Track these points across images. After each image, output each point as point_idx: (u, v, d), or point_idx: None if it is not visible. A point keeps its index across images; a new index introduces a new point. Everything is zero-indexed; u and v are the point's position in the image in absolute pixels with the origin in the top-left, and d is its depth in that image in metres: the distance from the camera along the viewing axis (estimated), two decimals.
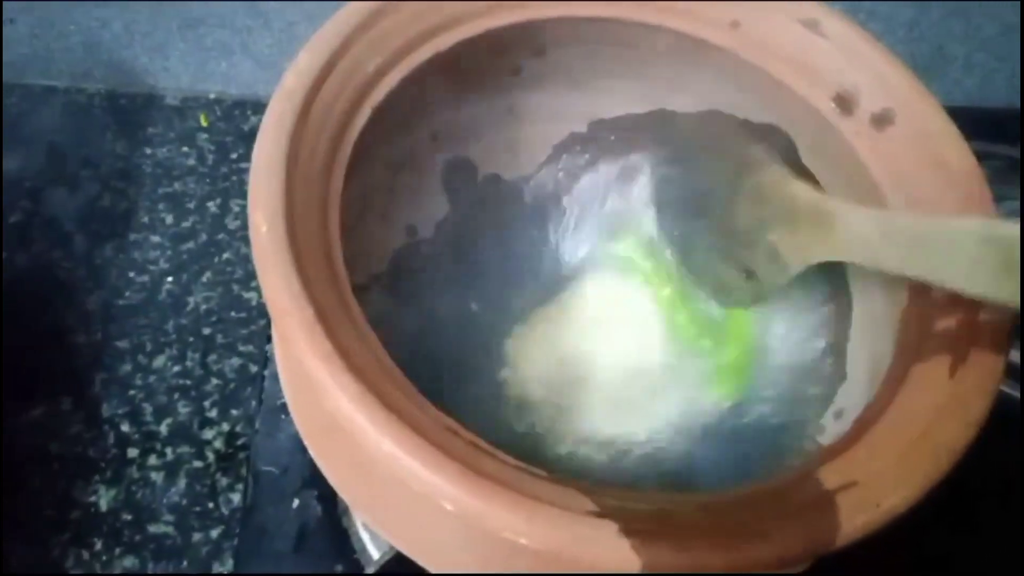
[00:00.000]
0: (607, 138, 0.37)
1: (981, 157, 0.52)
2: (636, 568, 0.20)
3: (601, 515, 0.20)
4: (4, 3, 0.54)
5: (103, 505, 0.42)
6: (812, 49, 0.31)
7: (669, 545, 0.20)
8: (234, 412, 0.45)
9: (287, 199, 0.24)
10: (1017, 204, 0.48)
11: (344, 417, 0.21)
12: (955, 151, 0.28)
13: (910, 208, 0.28)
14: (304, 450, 0.36)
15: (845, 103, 0.30)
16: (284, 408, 0.38)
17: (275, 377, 0.39)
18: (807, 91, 0.31)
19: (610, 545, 0.20)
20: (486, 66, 0.33)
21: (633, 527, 0.20)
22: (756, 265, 0.31)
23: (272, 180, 0.24)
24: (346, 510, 0.36)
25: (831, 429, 0.29)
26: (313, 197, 0.25)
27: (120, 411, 0.45)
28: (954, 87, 0.59)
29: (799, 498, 0.22)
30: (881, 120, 0.29)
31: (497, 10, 0.31)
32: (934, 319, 0.26)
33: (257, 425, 0.38)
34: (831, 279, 0.33)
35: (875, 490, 0.22)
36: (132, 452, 0.44)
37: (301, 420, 0.27)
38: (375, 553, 0.34)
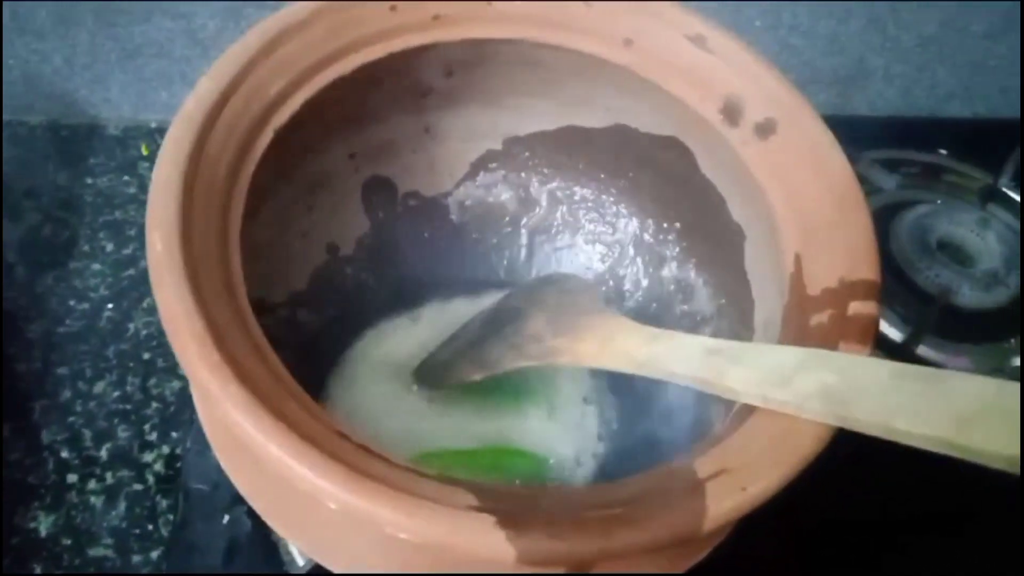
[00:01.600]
0: (521, 154, 0.39)
1: (900, 164, 0.54)
2: (511, 557, 0.21)
3: (480, 509, 0.21)
4: None
5: (43, 530, 0.42)
6: (700, 64, 0.32)
7: (542, 534, 0.21)
8: (174, 435, 0.46)
9: (183, 218, 0.25)
10: (928, 207, 0.50)
11: (234, 425, 0.22)
12: (832, 156, 0.30)
13: (793, 210, 0.30)
14: None
15: (731, 114, 0.32)
16: None
17: None
18: (698, 104, 0.32)
19: (485, 536, 0.21)
20: (395, 88, 0.34)
21: (509, 519, 0.21)
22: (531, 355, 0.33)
23: (169, 200, 0.25)
24: None
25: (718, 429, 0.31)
26: (213, 216, 0.26)
27: (60, 437, 0.45)
28: (876, 97, 0.61)
29: (672, 487, 0.23)
30: (764, 129, 0.31)
31: (398, 34, 0.32)
32: (810, 315, 0.27)
33: (188, 443, 0.39)
34: (734, 284, 0.34)
35: (742, 476, 0.23)
36: (72, 477, 0.44)
37: (209, 432, 0.28)
38: (300, 562, 0.34)
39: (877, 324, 0.26)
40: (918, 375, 0.24)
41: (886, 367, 0.24)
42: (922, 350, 0.44)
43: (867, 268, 0.27)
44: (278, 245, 0.33)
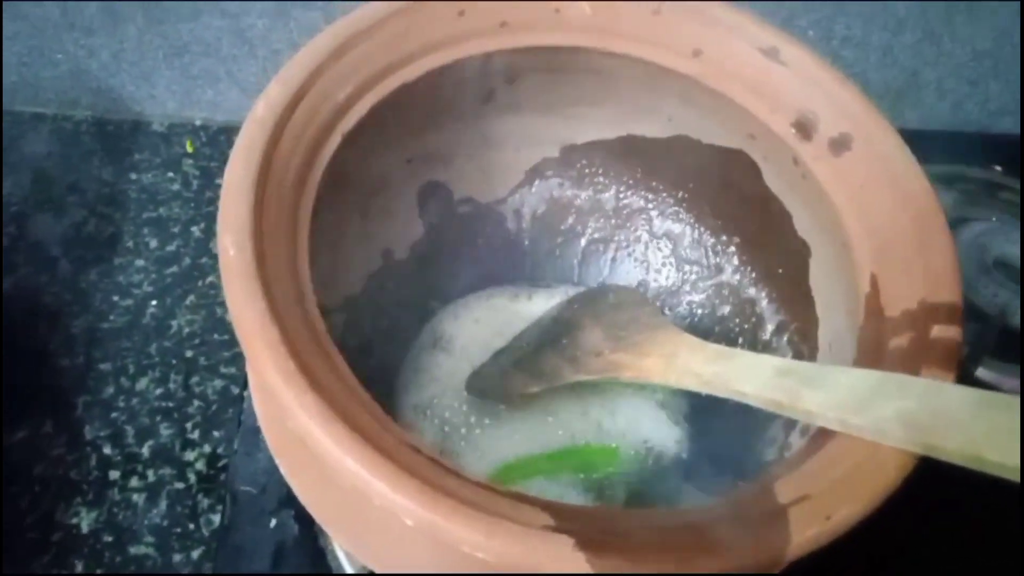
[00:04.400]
0: (578, 163, 0.38)
1: (955, 179, 0.53)
2: None
3: (557, 530, 0.21)
4: None
5: (84, 527, 0.42)
6: (772, 76, 0.32)
7: (622, 558, 0.20)
8: (216, 434, 0.46)
9: (255, 222, 0.24)
10: (985, 225, 0.49)
11: (308, 435, 0.21)
12: (910, 174, 0.29)
13: (868, 229, 0.29)
14: None
15: (804, 128, 0.31)
16: None
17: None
18: (768, 117, 0.32)
19: (564, 558, 0.20)
20: (457, 94, 0.33)
21: (587, 541, 0.21)
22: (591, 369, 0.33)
23: (241, 204, 0.24)
24: (323, 529, 0.36)
25: (796, 445, 0.30)
26: (283, 221, 0.26)
27: (102, 433, 0.45)
28: (928, 111, 0.60)
29: (753, 512, 0.22)
30: (839, 145, 0.30)
31: (465, 40, 0.31)
32: (888, 337, 0.26)
33: (236, 445, 0.38)
34: (797, 301, 0.34)
35: (825, 503, 0.22)
36: (114, 474, 0.44)
37: (270, 438, 0.28)
38: (350, 570, 0.34)
39: (961, 349, 0.26)
40: (1004, 404, 0.23)
41: (970, 394, 0.24)
42: (980, 372, 0.43)
43: (949, 290, 0.27)
44: (335, 250, 0.33)
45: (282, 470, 0.27)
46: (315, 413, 0.21)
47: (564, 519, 0.22)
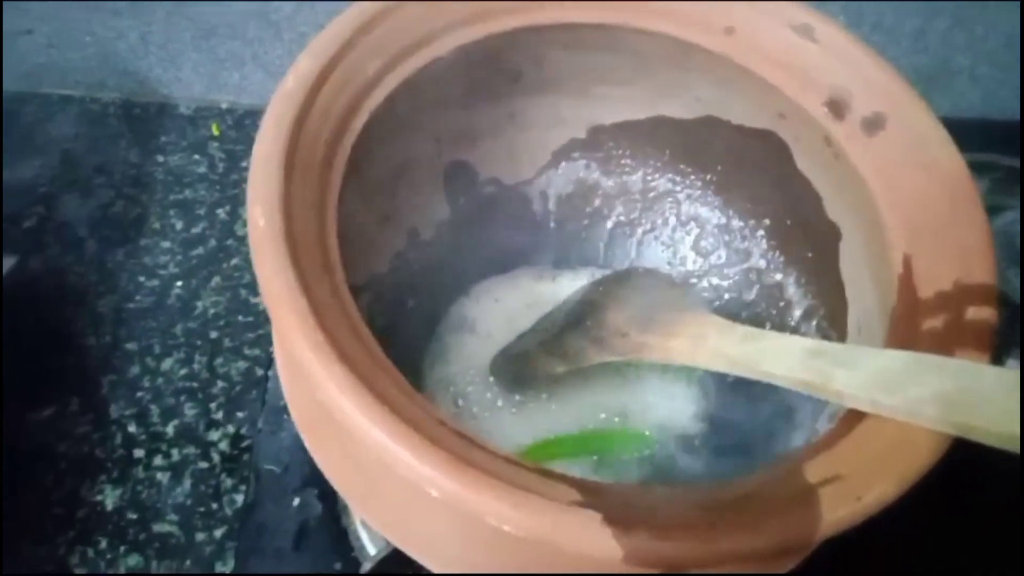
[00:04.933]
0: (606, 143, 0.38)
1: (985, 168, 0.52)
2: (618, 556, 0.20)
3: (584, 505, 0.21)
4: (23, 14, 0.55)
5: (109, 504, 0.43)
6: (805, 54, 0.31)
7: (650, 535, 0.20)
8: (239, 415, 0.46)
9: (285, 195, 0.24)
10: (1016, 214, 0.48)
11: (335, 407, 0.21)
12: (944, 153, 0.29)
13: (901, 209, 0.29)
14: (305, 449, 0.37)
15: (837, 108, 0.31)
16: (287, 408, 0.38)
17: (279, 378, 0.39)
18: (800, 96, 0.31)
19: (592, 533, 0.20)
20: (486, 72, 0.33)
21: (615, 517, 0.20)
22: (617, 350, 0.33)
23: (270, 176, 0.24)
24: (345, 508, 0.36)
25: (824, 431, 0.29)
26: (311, 194, 0.26)
27: (127, 412, 0.46)
28: (959, 98, 0.59)
29: (782, 492, 0.22)
30: (872, 124, 0.30)
31: (495, 16, 0.31)
32: (921, 319, 0.26)
33: (260, 424, 0.38)
34: (825, 285, 0.33)
35: (857, 484, 0.22)
36: (138, 452, 0.44)
37: (296, 412, 0.28)
38: (372, 550, 0.34)
39: (996, 330, 0.25)
40: None
41: (1006, 375, 0.23)
42: (1010, 363, 0.42)
43: (983, 271, 0.26)
44: (361, 228, 0.32)
45: (307, 443, 0.27)
46: (343, 384, 0.21)
47: (592, 495, 0.21)
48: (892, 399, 0.24)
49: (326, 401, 0.22)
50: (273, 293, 0.22)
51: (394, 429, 0.21)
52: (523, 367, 0.34)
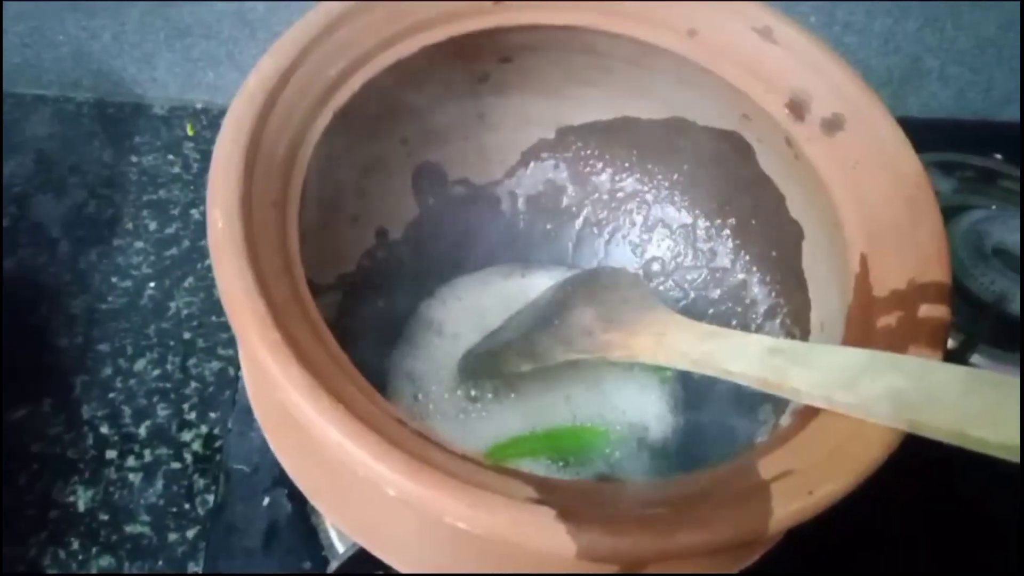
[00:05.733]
0: (574, 144, 0.38)
1: (954, 167, 0.53)
2: (571, 552, 0.20)
3: (540, 502, 0.21)
4: None
5: (81, 505, 0.42)
6: (766, 56, 0.32)
7: (604, 530, 0.21)
8: (212, 415, 0.46)
9: (244, 196, 0.24)
10: (983, 213, 0.49)
11: (293, 407, 0.22)
12: (902, 154, 0.29)
13: (859, 209, 0.29)
14: None
15: (798, 109, 0.31)
16: None
17: None
18: (762, 97, 0.32)
19: (547, 529, 0.20)
20: (452, 72, 0.33)
21: (569, 513, 0.21)
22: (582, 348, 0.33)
23: (230, 178, 0.25)
24: (315, 508, 0.36)
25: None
26: (272, 195, 0.26)
27: (100, 413, 0.45)
28: (929, 98, 0.60)
29: (735, 487, 0.22)
30: (831, 125, 0.30)
31: (461, 17, 0.31)
32: (876, 316, 0.26)
33: (230, 424, 0.38)
34: (789, 283, 0.34)
35: (809, 479, 0.22)
36: (111, 453, 0.44)
37: (260, 413, 0.28)
38: (341, 549, 0.34)
39: (948, 328, 0.26)
40: (993, 381, 0.23)
41: (959, 372, 0.24)
42: (975, 359, 0.43)
43: (938, 270, 0.27)
44: (328, 228, 0.33)
45: (270, 443, 0.27)
46: (300, 384, 0.21)
47: (547, 492, 0.22)
48: (846, 396, 0.24)
49: (285, 401, 0.22)
50: (231, 295, 0.22)
51: (351, 429, 0.21)
52: (490, 366, 0.35)
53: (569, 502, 0.21)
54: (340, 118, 0.29)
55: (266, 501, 0.36)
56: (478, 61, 0.34)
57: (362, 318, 0.35)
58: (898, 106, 0.60)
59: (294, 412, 0.22)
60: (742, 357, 0.27)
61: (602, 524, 0.21)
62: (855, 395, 0.24)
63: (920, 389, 0.23)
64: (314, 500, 0.26)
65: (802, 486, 0.22)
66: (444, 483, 0.21)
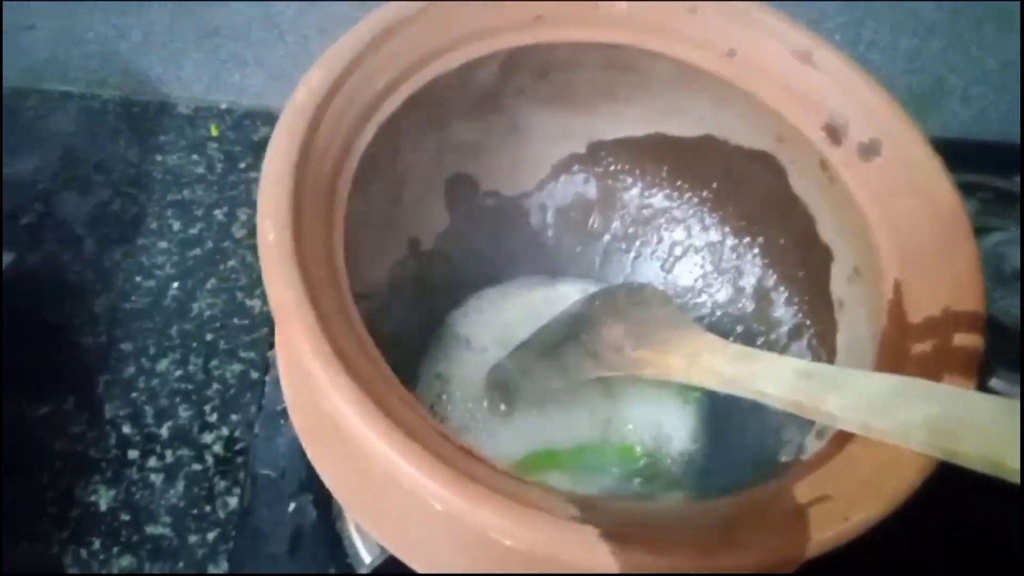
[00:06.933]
0: (605, 159, 0.39)
1: (975, 188, 0.53)
2: (614, 570, 0.21)
3: (583, 520, 0.21)
4: (27, 10, 0.56)
5: (103, 505, 0.43)
6: (805, 79, 0.32)
7: (646, 550, 0.21)
8: (234, 417, 0.46)
9: (294, 208, 0.25)
10: (1004, 235, 0.49)
11: (342, 419, 0.22)
12: (938, 182, 0.29)
13: (894, 235, 0.29)
14: (302, 455, 0.37)
15: (835, 133, 0.31)
16: (284, 413, 0.39)
17: (276, 383, 0.39)
18: (799, 120, 0.32)
19: (590, 548, 0.21)
20: (490, 86, 0.34)
21: (612, 532, 0.21)
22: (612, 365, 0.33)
23: (281, 190, 0.25)
24: (340, 514, 0.36)
25: (811, 448, 0.30)
26: (319, 207, 0.26)
27: (122, 412, 0.46)
28: (952, 118, 0.60)
29: (774, 510, 0.23)
30: (868, 151, 0.31)
31: (502, 32, 0.32)
32: (911, 343, 0.27)
33: (256, 429, 0.39)
34: (816, 304, 0.34)
35: (845, 504, 0.23)
36: (133, 453, 0.45)
37: (300, 422, 0.28)
38: (366, 557, 0.34)
39: (982, 357, 0.26)
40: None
41: (992, 402, 0.24)
42: (994, 383, 0.43)
43: (973, 299, 0.27)
44: (363, 236, 0.33)
45: (308, 451, 0.28)
46: (350, 397, 0.22)
47: (589, 510, 0.22)
48: (881, 422, 0.24)
49: (332, 412, 0.22)
50: (283, 306, 0.23)
51: (400, 443, 0.21)
52: (520, 380, 0.35)
53: (611, 521, 0.22)
54: (383, 130, 0.29)
55: (292, 506, 0.36)
56: (515, 75, 0.34)
57: (393, 326, 0.35)
58: (920, 124, 0.60)
59: (341, 423, 0.22)
60: (775, 379, 0.28)
61: (644, 544, 0.21)
62: (891, 421, 0.24)
63: (955, 417, 0.24)
64: (350, 508, 0.27)
65: (838, 512, 0.22)
66: (490, 499, 0.21)
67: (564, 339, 0.35)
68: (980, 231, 0.50)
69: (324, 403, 0.22)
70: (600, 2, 0.33)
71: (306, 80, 0.28)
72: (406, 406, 0.23)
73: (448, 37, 0.31)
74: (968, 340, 0.26)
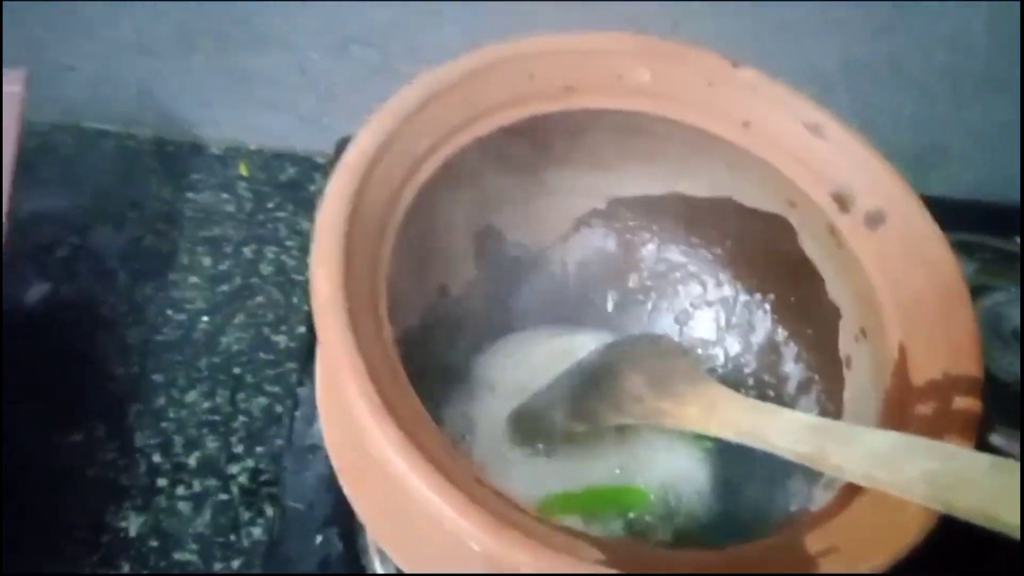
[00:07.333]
0: (624, 215, 0.41)
1: (975, 248, 0.55)
2: None
3: (607, 564, 0.23)
4: (69, 51, 0.58)
5: (132, 530, 0.45)
6: (815, 150, 0.34)
7: None
8: (259, 449, 0.48)
9: (345, 262, 0.27)
10: (1004, 295, 0.51)
11: (388, 463, 0.24)
12: (939, 251, 0.31)
13: (897, 300, 0.31)
14: (328, 489, 0.39)
15: (843, 201, 0.33)
16: (312, 449, 0.40)
17: (305, 419, 0.42)
18: (810, 187, 0.34)
19: None
20: (521, 147, 0.36)
21: None
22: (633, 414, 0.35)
23: (333, 244, 0.27)
24: (365, 548, 0.38)
25: (819, 498, 0.32)
26: (366, 259, 0.28)
27: (152, 441, 0.48)
28: (953, 179, 0.62)
29: (787, 560, 0.24)
30: (874, 219, 0.33)
31: (533, 101, 0.34)
32: (913, 404, 0.29)
33: (286, 463, 0.40)
34: (824, 360, 0.36)
35: (853, 556, 0.24)
36: (162, 481, 0.46)
37: (341, 461, 0.30)
38: None
39: (980, 420, 0.28)
40: (1015, 468, 0.25)
41: (986, 459, 0.26)
42: (993, 438, 0.45)
43: (971, 364, 0.29)
44: (400, 286, 0.35)
45: (346, 487, 0.29)
46: (396, 442, 0.24)
47: (611, 554, 0.24)
48: (885, 475, 0.26)
49: (378, 456, 0.24)
50: (335, 354, 0.25)
51: (443, 488, 0.23)
52: (540, 425, 0.37)
53: (633, 566, 0.23)
54: (423, 189, 0.31)
55: (319, 539, 0.38)
56: (543, 139, 0.36)
57: (421, 370, 0.37)
58: (921, 184, 0.62)
59: (387, 467, 0.24)
60: (787, 433, 0.29)
61: None
62: (893, 475, 0.26)
63: (952, 472, 0.26)
64: (386, 543, 0.28)
65: (847, 563, 0.24)
66: (523, 542, 0.23)
67: (584, 387, 0.37)
68: (980, 290, 0.52)
69: (371, 448, 0.24)
70: (624, 73, 0.35)
71: (356, 143, 0.30)
72: (444, 450, 0.25)
73: (484, 105, 0.33)
74: (966, 403, 0.28)
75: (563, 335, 0.42)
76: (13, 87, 0.46)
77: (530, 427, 0.37)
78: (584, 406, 0.36)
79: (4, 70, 0.46)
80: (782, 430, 0.30)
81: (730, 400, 0.32)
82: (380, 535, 0.28)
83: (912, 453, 0.27)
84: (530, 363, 0.40)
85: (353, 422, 0.25)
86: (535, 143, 0.37)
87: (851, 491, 0.27)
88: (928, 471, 0.26)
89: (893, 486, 0.26)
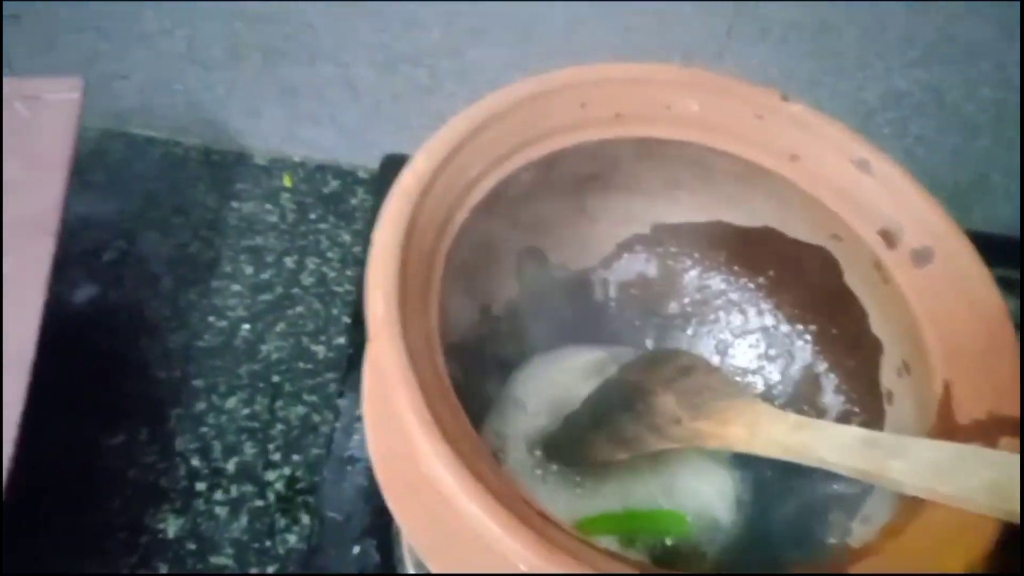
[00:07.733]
0: (667, 241, 0.41)
1: (1014, 285, 0.55)
2: None
3: None
4: (122, 61, 0.59)
5: (170, 533, 0.45)
6: (861, 186, 0.34)
7: None
8: (295, 457, 0.49)
9: (400, 283, 0.27)
10: None
11: (438, 480, 0.24)
12: (986, 291, 0.31)
13: (943, 337, 0.31)
14: (366, 501, 0.40)
15: (889, 237, 0.34)
16: (351, 460, 0.41)
17: (344, 430, 0.42)
18: (855, 222, 0.34)
19: None
20: (567, 173, 0.37)
21: None
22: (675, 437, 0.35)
23: (389, 266, 0.28)
24: (401, 560, 0.39)
25: (857, 532, 0.32)
26: (419, 281, 0.29)
27: (192, 446, 0.49)
28: (993, 214, 0.62)
29: None
30: (921, 257, 0.33)
31: (585, 128, 0.35)
32: (958, 442, 0.29)
33: (325, 474, 0.41)
34: (864, 393, 0.36)
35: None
36: (200, 486, 0.47)
37: (387, 475, 0.30)
38: None
39: None
40: None
41: None
42: None
43: (1015, 406, 0.29)
44: (447, 305, 0.35)
45: (389, 501, 0.30)
46: (447, 461, 0.24)
47: None
48: (946, 487, 0.26)
49: (428, 473, 0.25)
50: (391, 374, 0.25)
51: (491, 507, 0.24)
52: (578, 451, 0.37)
53: None
54: (473, 212, 0.32)
55: (356, 549, 0.39)
56: (591, 164, 0.37)
57: (458, 388, 0.37)
58: (962, 218, 0.62)
59: (437, 485, 0.24)
60: (838, 448, 0.29)
61: None
62: (954, 485, 0.26)
63: (1010, 480, 0.25)
64: (429, 558, 0.29)
65: None
66: (567, 563, 0.23)
67: (618, 408, 0.37)
68: (1020, 327, 0.52)
69: (422, 465, 0.25)
70: (673, 103, 0.36)
71: (412, 167, 0.30)
72: (492, 470, 0.25)
73: (537, 131, 0.34)
74: (1011, 445, 0.28)
75: (593, 352, 0.42)
76: (71, 94, 0.47)
77: (569, 453, 0.37)
78: (625, 431, 0.36)
79: (63, 78, 0.47)
80: (833, 445, 0.30)
81: (773, 418, 0.32)
82: (422, 548, 0.29)
83: (973, 463, 0.26)
84: (560, 381, 0.41)
85: (405, 439, 0.25)
86: (583, 168, 0.37)
87: (895, 529, 0.27)
88: (987, 479, 0.26)
89: (955, 498, 0.26)
